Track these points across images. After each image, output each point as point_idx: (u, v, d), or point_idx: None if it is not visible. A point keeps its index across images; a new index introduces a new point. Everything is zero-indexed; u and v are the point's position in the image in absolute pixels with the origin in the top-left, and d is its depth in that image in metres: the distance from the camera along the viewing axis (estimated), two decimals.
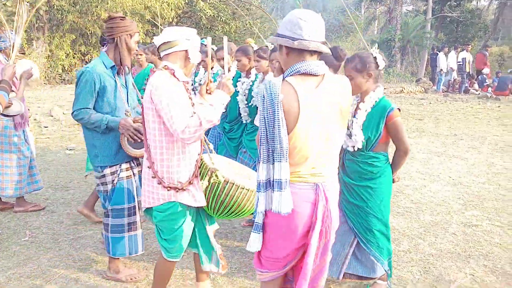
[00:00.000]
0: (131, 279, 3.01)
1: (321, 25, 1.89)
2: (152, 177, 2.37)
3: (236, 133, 4.10)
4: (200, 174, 2.44)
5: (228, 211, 2.46)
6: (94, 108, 2.83)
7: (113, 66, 2.89)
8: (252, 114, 3.90)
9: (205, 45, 4.27)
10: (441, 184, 5.25)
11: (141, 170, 2.88)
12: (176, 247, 2.47)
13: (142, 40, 16.37)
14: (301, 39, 1.84)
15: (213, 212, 2.50)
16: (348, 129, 2.68)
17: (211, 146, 2.68)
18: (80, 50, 13.99)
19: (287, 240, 1.95)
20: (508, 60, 23.48)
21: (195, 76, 4.76)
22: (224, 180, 2.37)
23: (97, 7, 13.13)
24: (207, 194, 2.42)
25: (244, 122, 3.99)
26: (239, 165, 2.96)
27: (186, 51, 2.38)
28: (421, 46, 21.01)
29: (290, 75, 1.89)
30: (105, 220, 2.97)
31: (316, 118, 1.86)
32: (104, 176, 2.90)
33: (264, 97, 1.84)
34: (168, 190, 2.35)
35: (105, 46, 3.26)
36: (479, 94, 15.10)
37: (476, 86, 16.12)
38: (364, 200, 2.67)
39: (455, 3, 23.28)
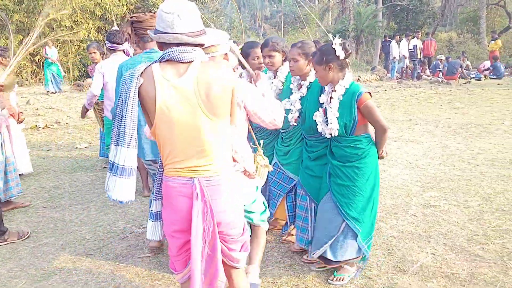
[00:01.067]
0: None
1: (186, 15, 1.77)
2: None
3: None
4: None
5: None
6: None
7: None
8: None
9: None
10: (399, 168, 5.43)
11: None
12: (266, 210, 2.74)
13: (94, 37, 15.82)
14: (161, 33, 1.79)
15: None
16: (325, 116, 2.80)
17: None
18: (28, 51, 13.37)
19: (173, 236, 1.93)
20: (456, 45, 24.51)
21: None
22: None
23: (44, 5, 12.58)
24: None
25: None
26: None
27: (226, 54, 2.39)
28: (374, 35, 21.56)
29: (157, 62, 1.83)
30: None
31: (177, 108, 1.77)
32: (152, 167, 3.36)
33: (125, 77, 1.80)
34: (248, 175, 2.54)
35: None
36: (431, 79, 15.71)
37: (427, 72, 16.77)
38: (351, 180, 2.79)
39: None
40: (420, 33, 17.26)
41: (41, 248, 3.50)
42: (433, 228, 3.71)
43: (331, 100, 2.79)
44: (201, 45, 1.85)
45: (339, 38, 2.74)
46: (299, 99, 3.13)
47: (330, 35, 2.76)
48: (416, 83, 14.83)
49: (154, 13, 2.90)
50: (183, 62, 1.80)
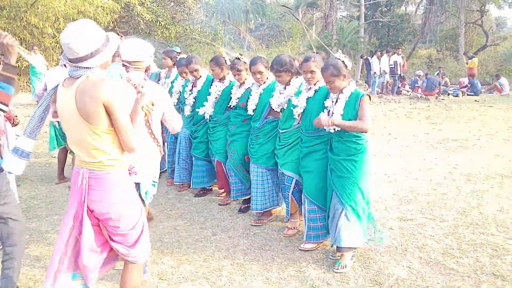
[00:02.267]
0: None
1: (73, 41, 2.08)
2: None
3: (199, 132, 4.83)
4: None
5: None
6: None
7: None
8: (215, 114, 4.63)
9: (178, 52, 5.29)
10: (378, 182, 5.51)
11: None
12: None
13: None
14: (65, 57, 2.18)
15: None
16: (329, 116, 3.27)
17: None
18: None
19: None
20: (436, 62, 25.14)
21: (167, 78, 5.39)
22: None
23: (26, 12, 12.46)
24: None
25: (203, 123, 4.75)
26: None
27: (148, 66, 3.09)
28: (356, 50, 21.95)
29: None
30: None
31: (62, 112, 2.21)
32: None
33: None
34: None
35: None
36: (410, 95, 16.03)
37: (407, 87, 17.11)
38: (350, 171, 3.24)
39: (386, 9, 24.58)
40: (400, 49, 17.66)
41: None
42: (409, 241, 3.77)
43: (338, 101, 3.26)
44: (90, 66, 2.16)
45: (321, 52, 3.09)
46: (306, 99, 3.60)
47: (339, 53, 3.34)
48: (396, 98, 15.11)
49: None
50: (75, 78, 2.16)
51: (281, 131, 3.87)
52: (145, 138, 2.92)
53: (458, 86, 17.06)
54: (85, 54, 2.10)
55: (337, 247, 3.33)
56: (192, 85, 4.93)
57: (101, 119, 2.10)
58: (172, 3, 19.57)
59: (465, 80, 17.01)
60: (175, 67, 5.18)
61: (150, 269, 3.28)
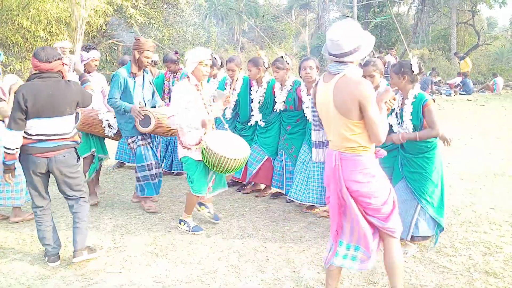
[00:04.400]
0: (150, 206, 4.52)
1: (341, 37, 2.35)
2: (178, 140, 3.93)
3: (248, 131, 5.06)
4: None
5: (214, 168, 3.76)
6: (120, 98, 4.34)
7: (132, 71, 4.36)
8: (264, 116, 4.91)
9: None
10: None
11: (150, 142, 4.55)
12: (195, 185, 3.86)
13: (70, 49, 15.61)
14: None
15: (210, 168, 3.81)
16: (397, 118, 3.57)
17: (226, 126, 4.28)
18: (1, 61, 13.06)
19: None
20: (428, 62, 25.26)
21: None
22: (206, 147, 3.64)
23: (18, 15, 12.37)
24: (202, 154, 3.76)
25: (254, 123, 5.01)
26: (239, 141, 4.03)
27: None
28: None
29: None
30: (136, 175, 4.50)
31: (320, 104, 2.56)
32: (128, 143, 4.49)
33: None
34: (183, 148, 3.87)
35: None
36: None
37: None
38: (423, 168, 3.49)
39: (378, 10, 24.67)
40: (394, 50, 17.72)
41: (9, 265, 3.40)
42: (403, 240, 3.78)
43: (403, 105, 3.49)
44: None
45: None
46: None
47: (411, 55, 3.62)
48: None
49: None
50: (333, 74, 2.46)
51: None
52: None
53: (449, 87, 17.13)
54: (349, 49, 2.35)
55: (412, 236, 3.54)
56: (231, 87, 4.99)
57: (354, 114, 2.38)
58: (165, 6, 19.53)
59: (457, 80, 17.09)
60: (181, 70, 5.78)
61: (144, 272, 3.28)
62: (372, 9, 24.68)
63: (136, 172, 4.47)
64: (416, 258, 3.44)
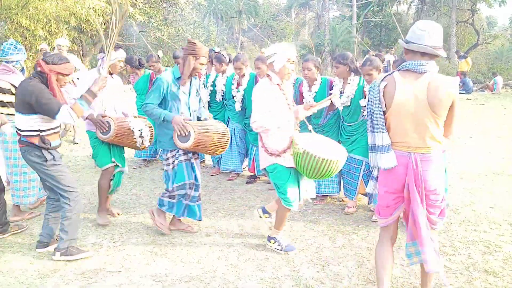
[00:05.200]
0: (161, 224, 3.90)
1: (434, 33, 2.47)
2: (261, 146, 3.46)
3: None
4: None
5: (313, 174, 3.24)
6: (160, 105, 3.73)
7: (179, 77, 3.75)
8: None
9: (216, 52, 5.76)
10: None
11: (196, 158, 3.92)
12: (288, 197, 3.38)
13: (69, 48, 15.59)
14: (412, 43, 2.49)
15: (305, 174, 3.32)
16: None
17: (310, 127, 3.67)
18: (1, 61, 13.06)
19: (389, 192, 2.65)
20: None
21: (207, 77, 5.80)
22: (303, 151, 3.17)
23: (18, 14, 12.33)
24: (295, 160, 3.29)
25: None
26: (331, 142, 3.58)
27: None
28: (349, 49, 22.01)
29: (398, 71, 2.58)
30: (171, 193, 3.83)
31: (403, 102, 2.49)
32: (167, 158, 3.82)
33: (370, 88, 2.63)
34: (270, 155, 3.39)
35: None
36: None
37: None
38: None
39: (378, 9, 24.67)
40: (393, 48, 17.73)
41: (8, 264, 3.40)
42: (402, 239, 3.76)
43: None
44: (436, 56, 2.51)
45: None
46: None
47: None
48: None
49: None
50: (417, 72, 2.48)
51: (348, 124, 4.37)
52: None
53: None
54: (440, 45, 2.49)
55: None
56: (237, 83, 5.39)
57: (445, 112, 2.48)
58: (165, 4, 19.50)
59: (457, 79, 17.10)
60: (213, 66, 5.68)
61: (144, 271, 3.28)
62: (372, 8, 24.66)
63: (172, 190, 3.82)
64: None
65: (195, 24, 23.60)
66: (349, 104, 4.29)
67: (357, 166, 4.36)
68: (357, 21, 22.96)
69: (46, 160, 3.34)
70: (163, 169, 3.91)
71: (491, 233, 3.88)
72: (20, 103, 3.24)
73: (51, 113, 3.17)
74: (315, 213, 4.47)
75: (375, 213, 2.88)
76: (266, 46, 29.32)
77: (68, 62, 3.30)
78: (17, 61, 4.20)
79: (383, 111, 2.56)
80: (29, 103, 3.17)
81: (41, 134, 3.30)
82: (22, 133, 3.31)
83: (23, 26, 12.72)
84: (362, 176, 4.34)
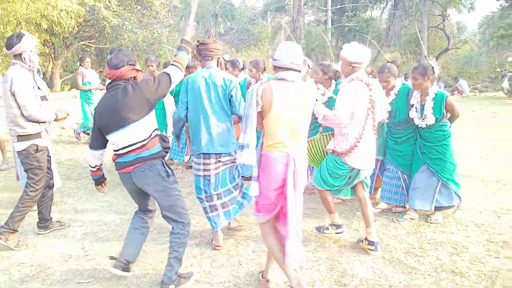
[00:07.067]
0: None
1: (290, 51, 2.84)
2: None
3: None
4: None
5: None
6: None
7: None
8: None
9: (226, 60, 5.76)
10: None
11: None
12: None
13: (40, 50, 15.24)
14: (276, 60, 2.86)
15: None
16: (417, 113, 4.20)
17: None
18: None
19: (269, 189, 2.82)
20: (400, 65, 25.80)
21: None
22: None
23: None
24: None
25: None
26: None
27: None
28: (324, 54, 22.30)
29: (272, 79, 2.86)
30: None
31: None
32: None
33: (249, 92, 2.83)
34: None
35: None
36: None
37: None
38: (442, 153, 4.19)
39: (352, 14, 25.08)
40: None
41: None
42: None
43: (425, 102, 4.12)
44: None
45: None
46: (390, 102, 4.37)
47: (433, 61, 4.18)
48: None
49: (216, 40, 3.86)
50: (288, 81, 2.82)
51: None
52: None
53: None
54: (299, 62, 2.86)
55: (435, 207, 4.27)
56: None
57: (311, 111, 2.95)
58: (139, 7, 19.30)
59: None
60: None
61: (115, 280, 3.23)
62: (346, 13, 25.07)
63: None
64: (385, 259, 3.51)
65: (170, 27, 23.41)
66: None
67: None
68: (331, 26, 23.27)
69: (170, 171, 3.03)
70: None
71: (459, 234, 4.00)
72: (132, 110, 2.87)
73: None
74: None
75: (255, 213, 2.96)
76: (242, 49, 29.36)
77: None
78: None
79: (259, 112, 2.80)
80: (145, 101, 2.90)
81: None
82: (142, 145, 2.91)
83: None
84: (379, 171, 4.81)
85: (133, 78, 2.94)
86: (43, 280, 3.23)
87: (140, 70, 3.00)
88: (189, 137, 4.06)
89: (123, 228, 4.22)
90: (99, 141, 2.97)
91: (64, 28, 14.74)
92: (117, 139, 2.87)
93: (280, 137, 2.78)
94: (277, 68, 2.85)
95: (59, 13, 13.41)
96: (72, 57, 20.87)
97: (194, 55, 3.75)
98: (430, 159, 4.23)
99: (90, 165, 3.11)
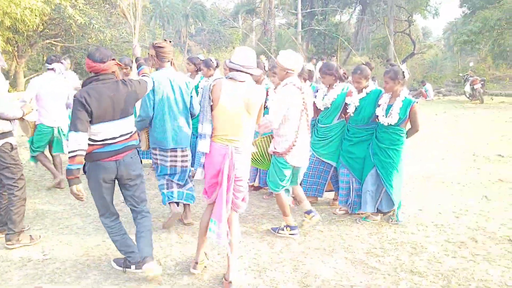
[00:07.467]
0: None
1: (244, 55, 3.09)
2: None
3: None
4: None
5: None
6: None
7: None
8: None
9: (201, 60, 5.88)
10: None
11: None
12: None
13: (2, 49, 14.69)
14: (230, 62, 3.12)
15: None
16: (384, 111, 4.24)
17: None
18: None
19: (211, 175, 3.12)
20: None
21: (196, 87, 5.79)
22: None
23: None
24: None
25: None
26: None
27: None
28: None
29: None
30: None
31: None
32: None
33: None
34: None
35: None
36: None
37: None
38: (392, 157, 4.22)
39: (321, 17, 25.43)
40: (335, 56, 18.34)
41: None
42: (336, 242, 3.92)
43: (394, 102, 4.18)
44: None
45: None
46: (359, 99, 4.41)
47: (403, 66, 4.30)
48: None
49: (170, 41, 4.14)
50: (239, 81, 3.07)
51: (321, 126, 4.71)
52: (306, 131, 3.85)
53: None
54: (252, 65, 3.12)
55: (377, 209, 4.40)
56: None
57: (257, 111, 3.19)
58: (107, 6, 18.91)
59: None
60: (197, 72, 5.86)
61: (75, 285, 3.16)
62: (316, 17, 25.40)
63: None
64: (348, 259, 3.58)
65: (140, 26, 23.05)
66: (329, 106, 4.60)
67: (326, 169, 4.78)
68: (302, 29, 23.53)
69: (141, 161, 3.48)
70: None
71: (418, 234, 4.12)
72: (131, 104, 3.25)
73: None
74: (255, 218, 4.53)
75: (203, 194, 3.25)
76: (213, 50, 29.29)
77: None
78: None
79: (211, 106, 3.06)
80: (136, 99, 3.34)
81: None
82: (130, 135, 3.27)
83: None
84: (330, 178, 4.83)
85: (112, 73, 3.14)
86: (0, 285, 3.13)
87: (121, 65, 3.30)
88: (146, 132, 4.12)
89: (85, 231, 4.13)
90: (85, 125, 2.95)
91: (28, 26, 14.26)
92: (109, 129, 3.06)
93: (223, 129, 3.05)
94: (230, 69, 3.11)
95: (23, 11, 12.98)
96: (37, 55, 20.23)
97: (152, 56, 4.04)
98: (379, 161, 4.28)
99: (73, 150, 2.88)
